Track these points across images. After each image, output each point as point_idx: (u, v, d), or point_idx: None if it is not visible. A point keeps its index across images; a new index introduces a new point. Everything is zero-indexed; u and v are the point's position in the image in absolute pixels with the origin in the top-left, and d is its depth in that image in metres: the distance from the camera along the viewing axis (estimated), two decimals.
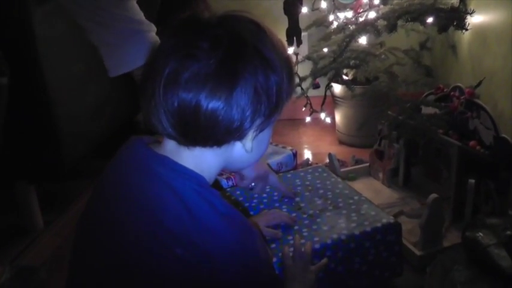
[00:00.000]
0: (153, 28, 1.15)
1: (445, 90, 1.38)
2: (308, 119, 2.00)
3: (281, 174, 1.38)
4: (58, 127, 1.35)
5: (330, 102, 1.99)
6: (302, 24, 1.86)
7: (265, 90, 0.59)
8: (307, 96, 1.87)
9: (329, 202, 1.15)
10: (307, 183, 1.26)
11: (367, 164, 1.64)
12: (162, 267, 0.58)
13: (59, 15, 1.28)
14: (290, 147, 1.65)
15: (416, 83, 1.49)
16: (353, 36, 1.37)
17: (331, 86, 1.89)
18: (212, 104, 0.57)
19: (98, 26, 1.08)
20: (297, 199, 1.18)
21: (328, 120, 1.95)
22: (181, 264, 0.58)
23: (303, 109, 1.93)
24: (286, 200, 1.18)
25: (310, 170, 1.35)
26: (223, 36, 0.58)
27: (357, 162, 1.74)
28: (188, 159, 0.63)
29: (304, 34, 2.20)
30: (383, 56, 1.74)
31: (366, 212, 1.09)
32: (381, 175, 1.56)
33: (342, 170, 1.62)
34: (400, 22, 1.25)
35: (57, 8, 1.23)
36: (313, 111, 1.95)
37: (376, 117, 1.49)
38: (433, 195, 1.10)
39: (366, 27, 1.31)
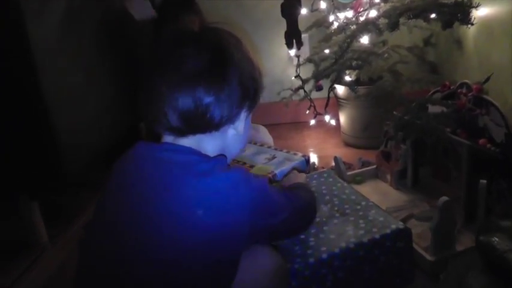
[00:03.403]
0: None
1: (451, 87, 1.34)
2: (312, 121, 1.97)
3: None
4: (57, 137, 1.32)
5: (333, 104, 1.96)
6: (302, 25, 1.82)
7: (246, 81, 0.73)
8: (310, 99, 1.83)
9: (336, 209, 1.11)
10: (313, 189, 1.22)
11: (374, 166, 1.59)
12: (189, 230, 0.66)
13: (56, 23, 1.26)
14: (302, 153, 1.60)
15: (421, 80, 1.45)
16: (354, 36, 1.33)
17: (334, 88, 1.85)
18: (208, 98, 0.69)
19: None
20: None
21: (332, 122, 1.92)
22: (204, 223, 0.66)
23: (307, 112, 1.90)
24: None
25: (315, 176, 1.31)
26: (209, 44, 0.72)
27: (364, 164, 1.70)
28: (187, 146, 0.73)
29: (305, 36, 2.16)
30: (386, 55, 1.70)
31: (374, 218, 1.05)
32: (388, 177, 1.52)
33: (349, 173, 1.58)
34: (402, 20, 1.20)
35: (54, 16, 1.21)
36: (317, 114, 1.92)
37: (381, 118, 1.44)
38: (444, 198, 1.06)
39: (367, 26, 1.27)
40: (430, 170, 1.45)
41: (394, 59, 1.69)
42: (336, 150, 1.93)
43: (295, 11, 1.53)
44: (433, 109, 1.34)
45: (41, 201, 1.43)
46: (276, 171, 1.46)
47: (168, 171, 0.69)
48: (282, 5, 1.58)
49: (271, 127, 2.06)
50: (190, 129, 0.72)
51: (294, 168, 1.51)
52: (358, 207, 1.10)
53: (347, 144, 1.96)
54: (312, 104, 1.89)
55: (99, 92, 1.41)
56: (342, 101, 1.89)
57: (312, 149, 2.04)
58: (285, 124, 2.30)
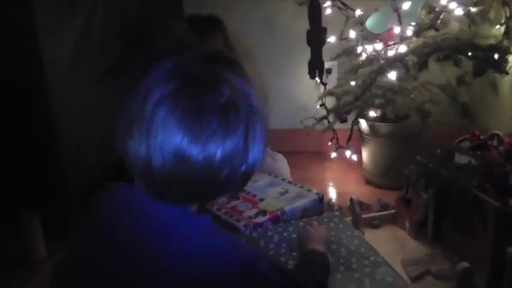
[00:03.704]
0: None
1: (481, 137, 1.23)
2: (334, 154, 1.89)
3: (293, 221, 1.26)
4: (63, 155, 1.31)
5: (357, 138, 1.87)
6: (330, 53, 1.76)
7: None
8: (333, 130, 1.76)
9: (341, 261, 1.03)
10: None
11: (394, 211, 1.49)
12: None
13: (70, 42, 1.24)
14: (316, 191, 1.52)
15: (450, 124, 1.35)
16: (380, 71, 1.24)
17: (358, 122, 1.76)
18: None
19: None
20: None
21: (354, 157, 1.83)
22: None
23: (329, 143, 1.82)
24: None
25: (325, 219, 1.23)
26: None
27: (383, 206, 1.59)
28: None
29: (333, 63, 2.10)
30: (415, 92, 1.60)
31: (382, 277, 0.95)
32: (407, 225, 1.41)
33: (365, 215, 1.48)
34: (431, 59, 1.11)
35: (68, 37, 1.19)
36: (338, 147, 1.83)
37: (403, 160, 1.34)
38: (463, 265, 0.95)
39: (394, 63, 1.18)
40: (454, 223, 1.33)
41: (424, 96, 1.60)
42: (356, 187, 1.83)
43: (320, 40, 1.46)
44: (460, 159, 1.24)
45: (43, 218, 1.42)
46: (286, 209, 1.39)
47: (149, 226, 0.61)
48: (308, 32, 1.51)
49: (291, 155, 1.99)
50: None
51: (305, 208, 1.43)
52: (366, 262, 1.01)
53: (368, 182, 1.86)
54: (335, 136, 1.81)
55: (109, 111, 1.37)
56: (365, 136, 1.79)
57: (331, 183, 1.95)
58: (306, 153, 2.21)
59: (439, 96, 1.62)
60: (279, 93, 2.23)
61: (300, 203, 1.42)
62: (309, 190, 1.51)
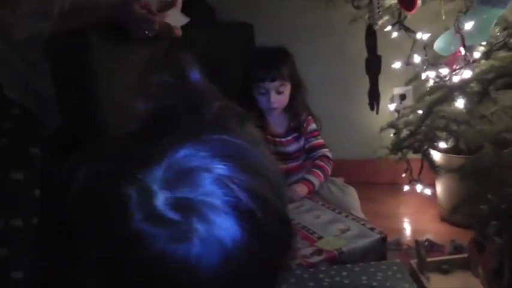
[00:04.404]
0: None
1: None
2: (406, 187, 1.76)
3: (349, 266, 1.18)
4: None
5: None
6: (399, 79, 1.67)
7: None
8: (407, 161, 1.64)
9: None
10: (374, 283, 1.05)
11: (467, 255, 1.32)
12: None
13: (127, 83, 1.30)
14: (379, 230, 1.41)
15: None
16: (440, 100, 1.13)
17: (429, 154, 1.62)
18: None
19: None
20: None
21: (427, 192, 1.69)
22: None
23: (403, 175, 1.70)
24: None
25: (383, 267, 1.13)
26: None
27: (456, 248, 1.44)
28: None
29: (408, 88, 1.97)
30: (494, 118, 1.43)
31: None
32: (481, 272, 1.24)
33: (436, 258, 1.35)
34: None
35: (125, 77, 1.24)
36: (411, 180, 1.70)
37: (476, 198, 1.19)
38: None
39: (453, 92, 1.06)
40: None
41: (503, 124, 1.42)
42: (430, 224, 1.69)
43: (376, 69, 1.37)
44: None
45: None
46: (344, 249, 1.31)
47: None
48: (366, 61, 1.43)
49: (365, 186, 1.90)
50: None
51: (366, 248, 1.33)
52: None
53: (444, 219, 1.69)
54: (409, 167, 1.68)
55: None
56: (439, 168, 1.64)
57: (404, 219, 1.81)
58: (381, 185, 2.09)
59: None
60: (353, 122, 2.15)
61: (361, 243, 1.33)
62: (372, 229, 1.40)
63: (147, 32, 1.21)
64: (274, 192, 0.42)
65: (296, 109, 1.74)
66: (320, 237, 1.38)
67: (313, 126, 1.78)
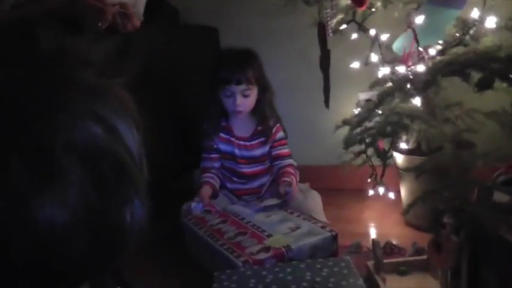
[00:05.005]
0: None
1: None
2: (371, 192, 1.72)
3: (294, 262, 1.13)
4: None
5: (396, 174, 1.69)
6: (359, 81, 1.65)
7: None
8: (371, 165, 1.60)
9: None
10: (318, 279, 1.00)
11: (426, 257, 1.29)
12: None
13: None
14: (330, 228, 1.39)
15: (487, 156, 1.15)
16: (384, 97, 1.10)
17: (391, 156, 1.59)
18: None
19: None
20: None
21: (391, 195, 1.66)
22: None
23: (368, 180, 1.66)
24: None
25: (330, 263, 1.08)
26: None
27: (417, 251, 1.39)
28: None
29: (373, 93, 1.95)
30: (458, 120, 1.42)
31: None
32: (439, 272, 1.20)
33: (395, 260, 1.30)
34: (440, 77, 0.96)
35: None
36: (375, 184, 1.67)
37: (430, 199, 1.16)
38: None
39: (402, 84, 1.04)
40: (496, 273, 1.11)
41: (467, 125, 1.41)
42: (394, 228, 1.64)
43: (326, 63, 1.34)
44: (498, 196, 1.04)
45: None
46: (293, 246, 1.27)
47: None
48: (320, 57, 1.41)
49: (330, 193, 1.86)
50: None
51: (315, 246, 1.29)
52: None
53: (408, 224, 1.65)
54: (374, 172, 1.65)
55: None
56: (402, 171, 1.62)
57: (368, 224, 1.77)
58: (347, 191, 2.05)
59: (485, 124, 1.42)
60: (318, 128, 2.11)
61: (309, 240, 1.29)
62: (323, 226, 1.37)
63: (100, 24, 1.17)
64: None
65: (263, 113, 1.71)
66: (269, 236, 1.33)
67: (281, 134, 1.76)
